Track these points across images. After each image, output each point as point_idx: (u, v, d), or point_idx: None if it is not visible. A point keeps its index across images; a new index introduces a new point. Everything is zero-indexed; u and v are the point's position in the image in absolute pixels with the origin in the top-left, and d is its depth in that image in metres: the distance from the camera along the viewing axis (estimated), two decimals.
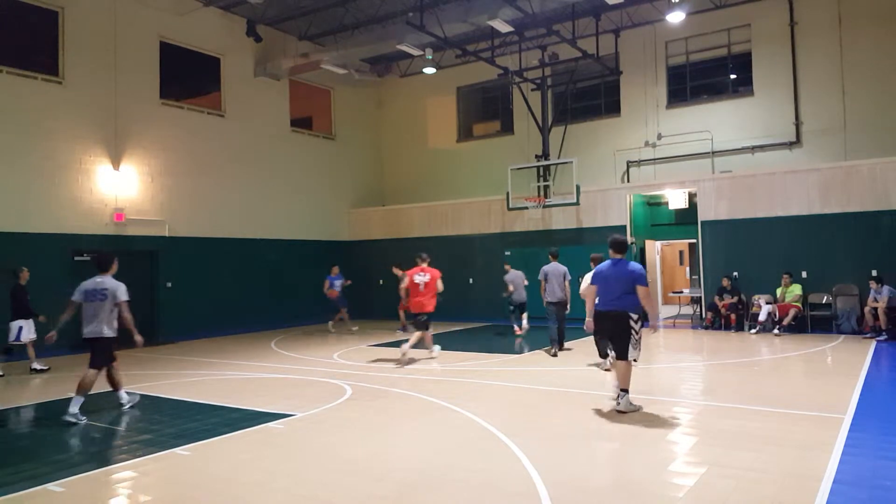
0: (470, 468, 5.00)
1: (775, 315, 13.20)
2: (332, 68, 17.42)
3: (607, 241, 7.06)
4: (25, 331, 10.52)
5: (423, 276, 10.63)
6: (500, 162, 18.01)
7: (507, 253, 17.24)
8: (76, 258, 13.59)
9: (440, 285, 10.75)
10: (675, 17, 14.95)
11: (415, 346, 10.46)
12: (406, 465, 5.13)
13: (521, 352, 11.64)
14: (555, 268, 11.08)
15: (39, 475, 5.08)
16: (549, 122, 18.09)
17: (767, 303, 13.40)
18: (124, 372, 10.23)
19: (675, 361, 10.06)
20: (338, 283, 15.60)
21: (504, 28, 14.93)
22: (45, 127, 13.23)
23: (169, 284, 15.16)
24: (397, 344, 13.10)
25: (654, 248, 17.16)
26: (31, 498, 4.62)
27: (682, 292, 17.58)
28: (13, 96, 12.84)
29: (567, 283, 11.08)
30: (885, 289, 12.13)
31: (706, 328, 14.22)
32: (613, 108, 18.23)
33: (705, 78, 17.15)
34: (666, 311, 17.25)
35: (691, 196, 15.57)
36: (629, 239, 15.84)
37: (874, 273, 12.56)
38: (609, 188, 16.48)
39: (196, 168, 16.02)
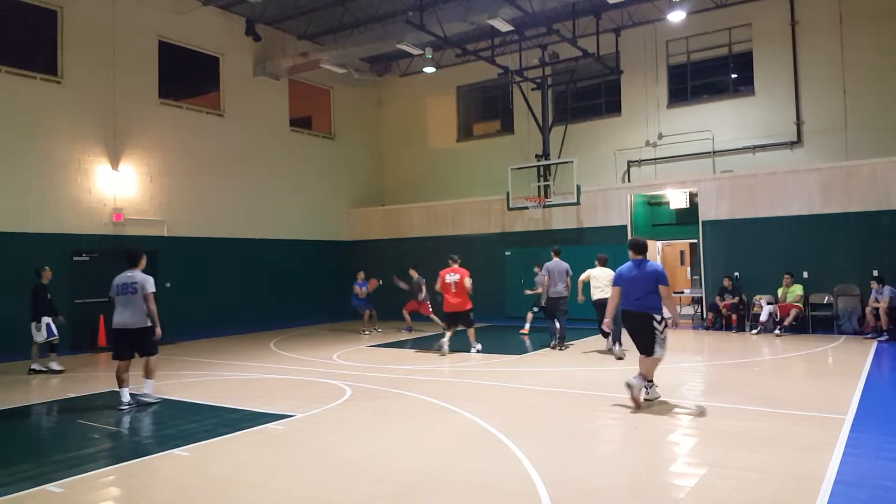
0: (470, 468, 4.99)
1: (776, 315, 13.18)
2: (332, 68, 17.40)
3: (627, 244, 7.40)
4: (53, 329, 10.51)
5: (453, 275, 11.21)
6: (500, 162, 17.99)
7: (507, 253, 17.23)
8: (75, 258, 13.59)
9: (468, 284, 11.22)
10: (676, 17, 14.95)
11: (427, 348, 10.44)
12: (406, 466, 5.12)
13: (521, 352, 11.61)
14: (557, 265, 11.60)
15: (39, 475, 5.07)
16: (550, 122, 18.07)
17: (768, 303, 13.39)
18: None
19: (676, 362, 10.03)
20: (363, 289, 15.58)
21: (504, 27, 14.92)
22: (44, 127, 13.22)
23: (168, 284, 15.09)
24: (397, 344, 13.10)
25: (654, 248, 17.14)
26: (30, 498, 4.60)
27: (682, 292, 17.57)
28: (12, 96, 12.82)
29: (569, 279, 11.60)
30: (887, 289, 12.12)
31: (707, 328, 14.20)
32: (614, 107, 18.21)
33: (706, 77, 17.13)
34: (666, 312, 17.20)
35: (692, 196, 15.55)
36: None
37: (875, 273, 12.54)
38: (609, 188, 16.46)
39: (195, 168, 16.01)
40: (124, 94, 14.59)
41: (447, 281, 11.21)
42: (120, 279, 7.78)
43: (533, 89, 18.13)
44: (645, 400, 6.93)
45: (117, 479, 5.02)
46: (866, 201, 13.09)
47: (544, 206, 16.57)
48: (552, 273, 11.53)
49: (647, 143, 17.39)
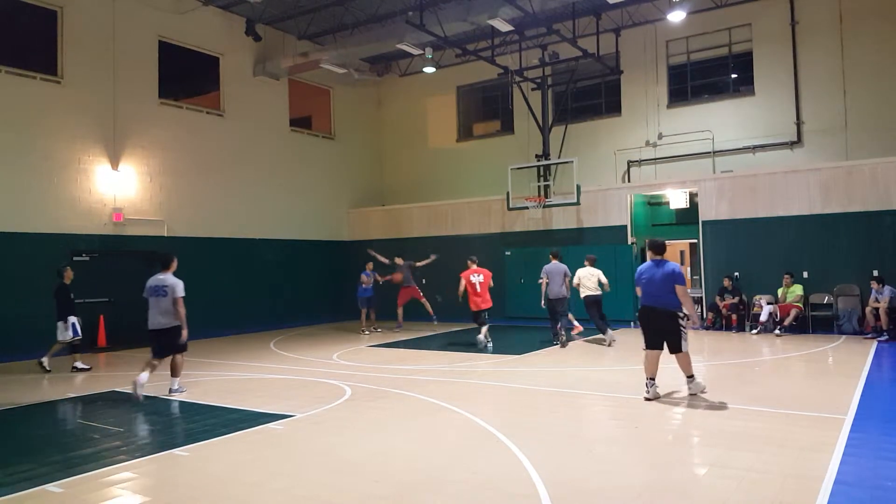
0: (470, 468, 4.99)
1: (776, 315, 13.18)
2: (332, 68, 17.40)
3: (646, 244, 7.57)
4: (71, 329, 10.52)
5: (477, 276, 11.87)
6: (500, 162, 17.99)
7: (507, 253, 17.22)
8: (75, 258, 13.56)
9: (491, 282, 12.08)
10: (676, 17, 14.94)
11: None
12: (406, 466, 5.12)
13: (521, 352, 11.60)
14: (556, 266, 11.92)
15: (39, 475, 5.06)
16: (550, 122, 18.06)
17: (768, 303, 13.38)
18: (124, 372, 10.26)
19: (674, 361, 10.02)
20: (365, 277, 15.49)
21: (504, 27, 14.91)
22: (44, 127, 13.22)
23: None
24: (397, 344, 13.09)
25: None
26: (30, 498, 4.60)
27: None
28: (12, 96, 12.82)
29: (567, 280, 11.98)
30: (887, 289, 12.11)
31: (707, 328, 14.20)
32: (614, 107, 18.21)
33: (706, 77, 17.13)
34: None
35: (692, 196, 15.55)
36: (630, 239, 15.84)
37: (875, 273, 12.53)
38: (610, 188, 16.46)
39: (195, 168, 16.01)
40: (124, 94, 14.59)
41: (473, 281, 11.82)
42: (152, 282, 8.24)
43: (533, 89, 18.13)
44: (690, 394, 7.33)
45: (117, 479, 5.01)
46: (866, 201, 13.09)
47: (544, 206, 16.57)
48: (551, 275, 11.87)
49: (647, 143, 17.39)
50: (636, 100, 17.65)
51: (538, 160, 17.72)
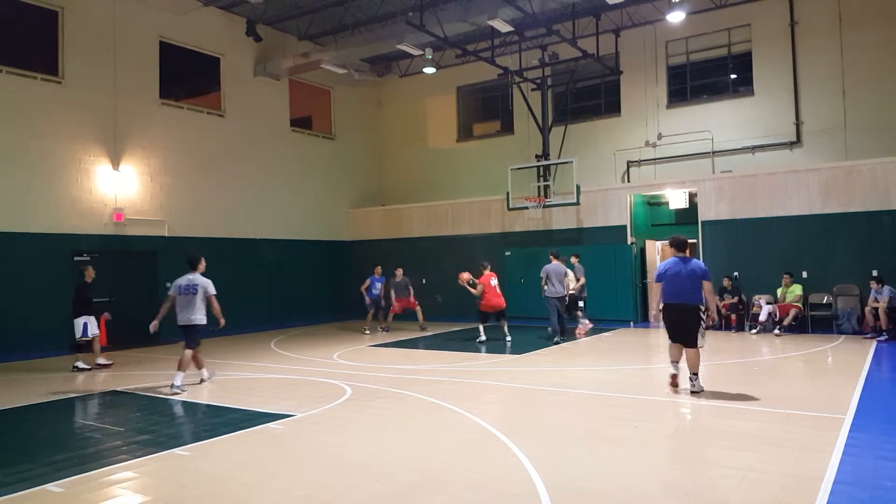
0: (470, 468, 4.99)
1: (776, 315, 13.19)
2: (332, 68, 17.41)
3: (668, 242, 7.91)
4: (90, 327, 10.63)
5: (494, 279, 12.91)
6: (500, 162, 18.00)
7: (507, 253, 17.22)
8: (76, 258, 13.58)
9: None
10: (676, 17, 14.94)
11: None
12: (406, 466, 5.12)
13: (521, 352, 11.61)
14: (556, 267, 12.49)
15: (39, 475, 5.07)
16: (549, 122, 18.08)
17: (768, 303, 13.39)
18: (125, 372, 10.27)
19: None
20: (379, 284, 15.41)
21: (504, 28, 14.93)
22: (44, 127, 13.23)
23: (168, 285, 15.08)
24: (398, 344, 13.10)
25: (654, 248, 17.14)
26: (30, 498, 4.61)
27: None
28: (13, 96, 12.83)
29: (567, 279, 12.60)
30: (886, 289, 12.12)
31: (707, 328, 14.16)
32: (613, 107, 18.22)
33: (706, 78, 17.14)
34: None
35: (692, 196, 15.56)
36: (630, 239, 15.85)
37: (875, 273, 12.55)
38: (609, 188, 16.47)
39: (196, 168, 16.02)
40: (125, 95, 14.60)
41: (493, 284, 12.84)
42: (182, 281, 8.73)
43: (533, 90, 18.14)
44: (692, 392, 7.42)
45: (117, 479, 5.02)
46: (866, 201, 13.10)
47: (544, 207, 16.58)
48: (551, 275, 12.41)
49: (647, 144, 17.40)
50: (636, 100, 17.66)
51: (538, 160, 17.73)
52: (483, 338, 12.84)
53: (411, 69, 21.02)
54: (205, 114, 16.55)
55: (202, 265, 8.99)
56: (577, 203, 15.98)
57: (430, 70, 17.81)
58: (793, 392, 7.67)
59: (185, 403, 7.78)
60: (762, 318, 13.23)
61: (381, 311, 15.55)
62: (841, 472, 4.64)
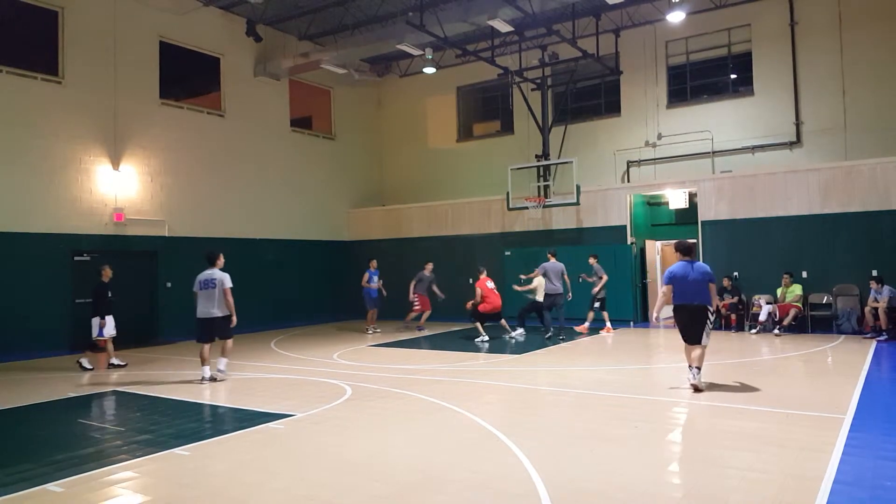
0: (470, 468, 5.00)
1: (775, 315, 13.19)
2: (332, 68, 17.41)
3: (674, 247, 8.46)
4: (108, 327, 10.63)
5: (491, 283, 13.24)
6: (500, 162, 18.00)
7: (507, 253, 17.22)
8: (76, 258, 13.59)
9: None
10: (676, 17, 14.94)
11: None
12: (406, 466, 5.12)
13: (521, 352, 11.62)
14: (554, 265, 13.08)
15: (39, 475, 5.07)
16: (549, 122, 18.08)
17: (768, 303, 13.39)
18: (126, 372, 10.28)
19: (675, 361, 10.04)
20: (375, 277, 15.29)
21: (504, 28, 14.93)
22: (44, 127, 13.23)
23: (169, 284, 15.14)
24: (398, 344, 13.11)
25: (654, 248, 17.15)
26: (30, 498, 4.61)
27: None
28: (13, 96, 12.83)
29: (566, 277, 13.19)
30: (886, 289, 12.12)
31: (711, 328, 14.16)
32: (613, 107, 18.22)
33: (705, 78, 17.14)
34: (667, 311, 17.23)
35: (691, 196, 15.56)
36: (629, 239, 15.85)
37: (874, 273, 12.55)
38: (609, 188, 16.47)
39: (196, 168, 16.02)
40: (125, 95, 14.60)
41: (490, 287, 13.16)
42: (202, 276, 9.29)
43: (533, 90, 18.14)
44: (691, 384, 7.71)
45: (117, 478, 5.02)
46: (866, 201, 13.10)
47: (544, 207, 16.58)
48: (550, 273, 12.95)
49: (647, 144, 17.40)
50: (636, 100, 17.66)
51: (538, 160, 17.74)
52: (486, 337, 12.93)
53: (411, 69, 21.02)
54: (205, 114, 16.55)
55: (221, 261, 9.52)
56: (577, 203, 15.98)
57: (430, 70, 17.81)
58: (793, 392, 7.67)
59: (184, 403, 7.78)
60: (762, 318, 13.24)
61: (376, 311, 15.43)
62: (841, 472, 4.64)
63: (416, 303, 15.28)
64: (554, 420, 6.59)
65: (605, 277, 13.66)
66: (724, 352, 11.11)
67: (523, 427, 6.25)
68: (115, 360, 10.76)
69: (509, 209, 16.98)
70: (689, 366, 7.97)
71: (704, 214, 14.85)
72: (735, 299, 13.85)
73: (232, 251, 16.44)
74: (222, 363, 9.35)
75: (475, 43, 18.27)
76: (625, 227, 15.93)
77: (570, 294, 13.55)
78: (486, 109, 20.99)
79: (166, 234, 15.20)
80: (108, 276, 10.86)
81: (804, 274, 13.54)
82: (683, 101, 17.21)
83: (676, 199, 15.80)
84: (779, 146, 15.75)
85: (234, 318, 9.25)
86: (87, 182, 13.91)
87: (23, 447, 6.00)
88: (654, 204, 17.00)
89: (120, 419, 7.22)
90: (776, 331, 12.99)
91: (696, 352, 7.78)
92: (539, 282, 13.40)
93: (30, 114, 13.03)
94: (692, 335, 7.84)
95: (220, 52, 16.95)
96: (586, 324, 14.03)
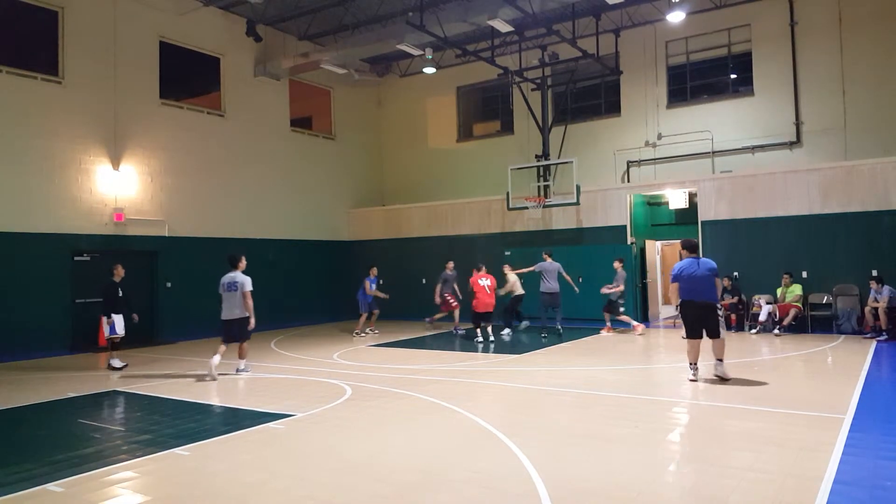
0: (470, 468, 5.00)
1: (775, 315, 13.19)
2: (332, 68, 17.41)
3: (681, 245, 8.72)
4: (118, 326, 10.63)
5: (485, 280, 13.03)
6: (500, 162, 18.00)
7: (507, 253, 17.21)
8: (76, 258, 13.60)
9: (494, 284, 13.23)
10: (676, 17, 14.95)
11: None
12: (406, 466, 5.13)
13: (521, 352, 11.62)
14: (550, 265, 13.35)
15: (39, 475, 5.08)
16: (549, 122, 18.08)
17: (768, 303, 13.40)
18: (126, 372, 10.28)
19: (675, 361, 10.05)
20: (374, 286, 15.02)
21: (504, 28, 14.93)
22: (44, 127, 13.23)
23: (169, 284, 15.16)
24: (397, 344, 13.11)
25: (654, 248, 17.15)
26: (31, 498, 4.61)
27: None
28: (13, 96, 12.83)
29: (566, 276, 13.44)
30: (886, 289, 12.13)
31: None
32: (613, 107, 18.22)
33: (705, 78, 17.14)
34: (666, 311, 17.25)
35: (691, 196, 15.56)
36: (629, 239, 15.85)
37: (874, 273, 12.55)
38: (609, 188, 16.47)
39: (196, 168, 16.02)
40: (125, 95, 14.60)
41: (482, 284, 12.95)
42: (225, 279, 9.62)
43: (533, 90, 18.14)
44: (718, 377, 8.15)
45: (117, 478, 5.03)
46: (866, 201, 13.10)
47: (544, 206, 16.58)
48: (547, 272, 13.19)
49: (647, 144, 17.40)
50: (636, 100, 17.66)
51: (538, 160, 17.74)
52: (480, 339, 12.91)
53: (411, 69, 21.02)
54: (205, 114, 16.55)
55: (242, 263, 9.83)
56: (577, 203, 15.99)
57: (430, 70, 17.81)
58: (793, 392, 7.67)
59: (185, 403, 7.78)
60: (762, 317, 13.24)
61: (374, 313, 15.19)
62: (840, 472, 4.64)
63: (453, 302, 14.83)
64: (554, 420, 6.59)
65: (621, 287, 13.65)
66: (725, 351, 11.09)
67: (523, 427, 6.26)
68: (114, 363, 10.64)
69: (509, 209, 16.98)
70: (691, 363, 8.26)
71: (704, 214, 14.85)
72: (735, 299, 13.85)
73: (232, 251, 16.50)
74: (242, 364, 9.79)
75: (475, 43, 18.27)
76: (625, 227, 15.93)
77: (577, 289, 13.74)
78: (486, 109, 20.99)
79: (166, 234, 15.20)
80: (121, 276, 10.88)
81: (804, 274, 13.54)
82: (683, 101, 17.21)
83: (676, 199, 15.81)
84: (779, 146, 15.76)
85: (252, 321, 9.54)
86: (87, 182, 13.91)
87: (23, 447, 6.00)
88: (654, 204, 17.00)
89: (120, 419, 7.22)
90: (776, 331, 12.99)
91: (717, 345, 8.16)
92: (513, 279, 13.63)
93: (30, 114, 13.03)
94: (709, 330, 8.14)
95: (220, 52, 16.95)
96: (634, 322, 13.98)
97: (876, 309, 12.11)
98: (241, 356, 9.77)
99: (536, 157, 17.97)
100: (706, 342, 8.41)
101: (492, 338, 12.99)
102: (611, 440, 5.71)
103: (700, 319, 8.16)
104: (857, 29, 14.96)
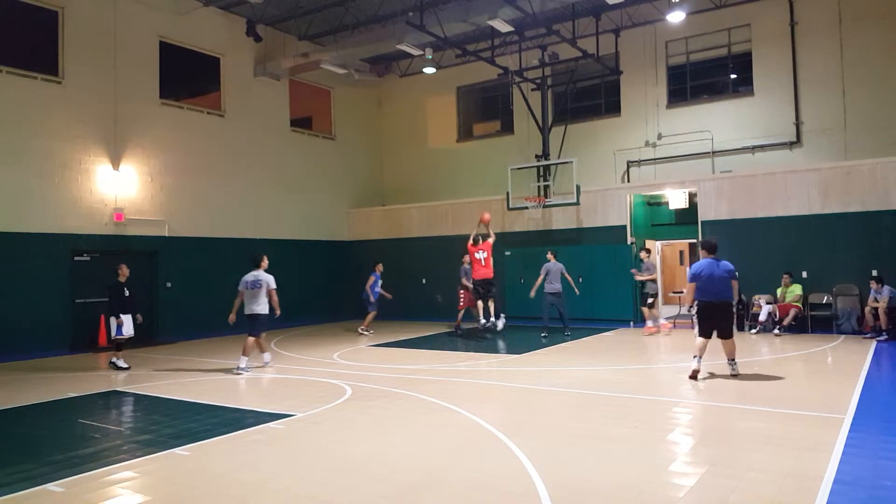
0: (470, 468, 5.00)
1: (775, 315, 13.19)
2: (332, 68, 17.41)
3: (700, 245, 8.94)
4: (126, 326, 10.63)
5: (482, 253, 13.19)
6: (500, 162, 18.00)
7: (507, 253, 17.22)
8: (76, 258, 13.60)
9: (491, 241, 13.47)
10: (676, 17, 14.96)
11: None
12: (406, 466, 5.13)
13: (521, 352, 11.62)
14: (554, 265, 13.33)
15: (39, 475, 5.08)
16: (549, 122, 18.08)
17: (768, 303, 13.40)
18: (127, 372, 10.28)
19: (675, 361, 10.06)
20: (380, 282, 15.05)
21: (504, 28, 14.92)
22: (44, 127, 13.23)
23: (169, 284, 15.16)
24: (398, 344, 13.11)
25: (654, 248, 17.12)
26: (31, 498, 4.61)
27: (682, 292, 17.54)
28: (13, 96, 12.83)
29: (567, 276, 13.40)
30: (886, 289, 12.13)
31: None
32: (613, 107, 18.22)
33: (705, 78, 17.14)
34: (666, 312, 17.24)
35: (691, 196, 15.56)
36: (629, 239, 15.85)
37: (874, 273, 12.55)
38: (609, 188, 16.47)
39: (196, 168, 16.02)
40: (125, 95, 14.60)
41: (477, 257, 13.14)
42: (248, 277, 10.16)
43: (533, 90, 18.14)
44: (732, 375, 8.38)
45: (117, 478, 5.03)
46: (866, 201, 13.10)
47: (544, 206, 16.58)
48: (551, 272, 13.20)
49: (647, 144, 17.41)
50: (635, 100, 17.66)
51: (538, 160, 17.74)
52: (483, 321, 13.04)
53: (411, 69, 21.02)
54: (205, 114, 16.55)
55: (265, 262, 10.33)
56: (577, 203, 15.99)
57: (430, 70, 17.81)
58: (793, 392, 7.67)
59: (185, 403, 7.78)
60: (762, 318, 13.24)
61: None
62: (840, 472, 4.64)
63: (468, 298, 14.56)
64: (554, 420, 6.59)
65: (654, 276, 13.68)
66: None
67: (523, 427, 6.26)
68: (119, 361, 10.59)
69: (509, 209, 16.98)
70: (695, 355, 8.42)
71: (704, 214, 14.85)
72: (735, 299, 13.82)
73: (232, 251, 16.53)
74: (266, 356, 10.32)
75: (475, 43, 18.27)
76: (625, 227, 15.93)
77: (577, 290, 13.74)
78: (486, 109, 20.99)
79: (166, 234, 15.20)
80: (126, 275, 10.88)
81: (804, 274, 13.54)
82: (683, 101, 17.21)
83: (676, 199, 15.80)
84: (778, 146, 15.76)
85: (278, 311, 10.22)
86: (87, 182, 13.91)
87: (23, 447, 6.00)
88: (654, 204, 17.00)
89: (120, 419, 7.22)
90: (776, 331, 12.99)
91: (729, 345, 8.38)
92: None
93: (30, 114, 13.03)
94: (723, 330, 8.35)
95: (220, 52, 16.95)
96: (662, 320, 13.90)
97: (876, 309, 12.11)
98: (258, 348, 10.16)
99: (536, 157, 17.97)
100: (714, 342, 8.51)
101: (493, 321, 13.09)
102: (611, 440, 5.71)
103: (715, 319, 8.35)
104: (857, 29, 14.96)
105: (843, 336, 12.60)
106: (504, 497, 4.38)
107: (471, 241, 13.49)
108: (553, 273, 13.25)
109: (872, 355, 10.17)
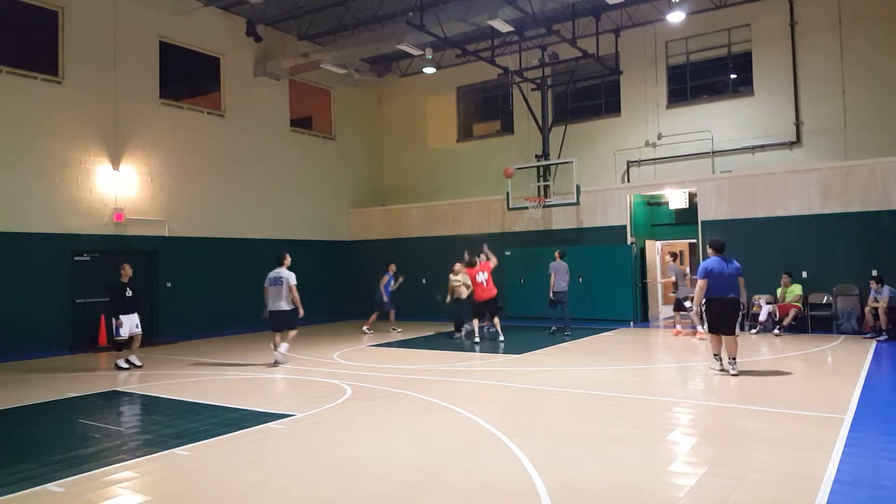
0: (470, 468, 5.00)
1: (775, 315, 13.19)
2: (332, 68, 17.41)
3: (709, 244, 9.08)
4: (126, 327, 10.60)
5: (483, 274, 13.00)
6: (500, 162, 17.95)
7: (507, 253, 17.21)
8: (76, 258, 13.60)
9: (493, 264, 13.32)
10: (676, 17, 14.96)
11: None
12: (406, 466, 5.13)
13: (521, 352, 11.62)
14: (561, 265, 13.42)
15: (39, 475, 5.08)
16: (549, 122, 18.08)
17: (768, 303, 13.40)
18: (127, 372, 10.28)
19: (675, 361, 10.06)
20: (392, 282, 15.15)
21: (504, 28, 14.92)
22: (44, 127, 13.23)
23: (169, 284, 15.15)
24: (398, 344, 13.11)
25: (654, 248, 17.14)
26: (31, 498, 4.61)
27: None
28: (13, 96, 12.83)
29: (568, 276, 13.46)
30: (886, 289, 12.13)
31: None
32: (613, 107, 18.22)
33: (705, 78, 17.14)
34: (666, 312, 17.24)
35: (691, 196, 15.56)
36: (629, 239, 15.85)
37: (874, 273, 12.55)
38: (609, 188, 16.47)
39: (196, 168, 16.02)
40: (125, 95, 14.60)
41: (479, 280, 12.94)
42: (272, 274, 10.47)
43: (533, 90, 18.14)
44: (732, 374, 8.49)
45: (117, 478, 5.03)
46: (865, 201, 13.10)
47: (544, 207, 16.58)
48: (557, 271, 13.30)
49: (647, 144, 17.40)
50: (635, 100, 17.66)
51: (538, 160, 17.74)
52: (471, 330, 12.94)
53: (411, 69, 21.02)
54: (205, 114, 16.55)
55: (287, 260, 10.58)
56: (577, 203, 15.98)
57: (430, 70, 17.81)
58: (793, 392, 7.67)
59: (185, 403, 7.79)
60: (762, 318, 13.24)
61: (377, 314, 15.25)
62: (840, 472, 4.64)
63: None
64: (554, 420, 6.59)
65: (687, 280, 13.05)
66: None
67: (523, 427, 6.26)
68: (120, 361, 10.58)
69: (509, 209, 16.98)
70: (715, 354, 8.73)
71: (704, 214, 14.85)
72: None
73: (232, 251, 16.56)
74: (283, 347, 10.48)
75: (475, 43, 18.26)
76: (625, 227, 15.93)
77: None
78: (486, 109, 20.98)
79: (166, 234, 15.20)
80: (129, 275, 10.87)
81: (804, 274, 13.54)
82: (683, 101, 17.21)
83: (676, 199, 15.80)
84: (778, 146, 15.76)
85: (301, 311, 10.41)
86: (87, 182, 13.91)
87: (23, 447, 6.00)
88: (654, 204, 17.00)
89: (120, 419, 7.22)
90: (776, 331, 12.99)
91: (731, 343, 8.52)
92: (463, 279, 13.61)
93: (30, 114, 13.03)
94: (728, 326, 8.52)
95: (220, 52, 16.95)
96: (698, 328, 13.00)
97: (876, 309, 12.11)
98: (284, 340, 10.49)
99: (536, 157, 17.97)
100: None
101: (498, 334, 12.91)
102: (611, 440, 5.71)
103: (723, 316, 8.55)
104: (857, 29, 14.95)
105: (843, 336, 12.60)
106: (504, 497, 4.38)
107: (465, 263, 13.36)
108: (559, 272, 13.29)
109: (872, 355, 10.17)
